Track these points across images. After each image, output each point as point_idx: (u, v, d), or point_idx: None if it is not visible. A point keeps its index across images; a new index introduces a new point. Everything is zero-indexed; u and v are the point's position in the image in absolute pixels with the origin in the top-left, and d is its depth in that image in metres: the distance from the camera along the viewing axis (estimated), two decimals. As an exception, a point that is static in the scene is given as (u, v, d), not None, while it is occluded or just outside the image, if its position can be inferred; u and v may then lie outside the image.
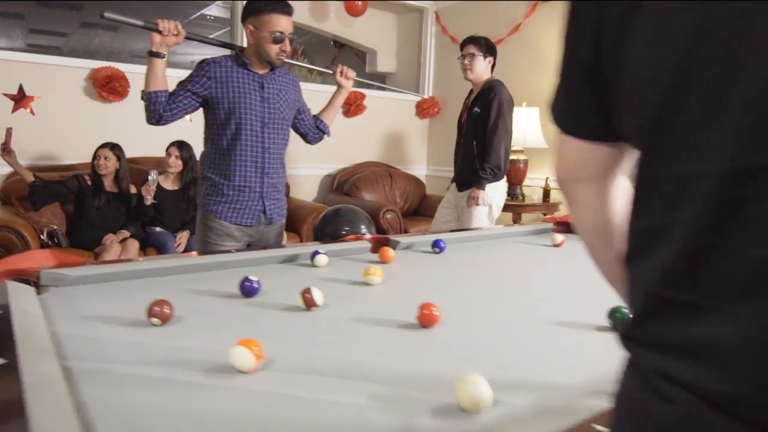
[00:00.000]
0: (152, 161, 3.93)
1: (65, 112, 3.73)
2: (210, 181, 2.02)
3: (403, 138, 5.51)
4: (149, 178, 3.23)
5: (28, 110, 3.60)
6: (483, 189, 2.93)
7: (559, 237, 2.12)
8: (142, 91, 1.92)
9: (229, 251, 1.81)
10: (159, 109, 1.90)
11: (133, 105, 3.92)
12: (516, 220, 4.02)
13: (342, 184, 4.84)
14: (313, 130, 2.29)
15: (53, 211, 3.26)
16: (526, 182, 4.23)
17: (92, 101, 3.84)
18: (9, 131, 3.00)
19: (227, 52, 2.20)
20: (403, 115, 5.43)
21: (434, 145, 5.66)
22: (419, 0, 5.38)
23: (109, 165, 3.31)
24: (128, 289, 1.37)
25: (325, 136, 2.33)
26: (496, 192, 3.01)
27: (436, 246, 1.94)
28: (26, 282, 1.27)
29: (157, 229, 3.49)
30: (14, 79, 3.54)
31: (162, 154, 4.07)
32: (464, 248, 2.03)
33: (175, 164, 3.50)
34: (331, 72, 2.30)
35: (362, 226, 2.05)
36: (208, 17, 6.86)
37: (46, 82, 3.64)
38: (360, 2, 4.87)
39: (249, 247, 2.08)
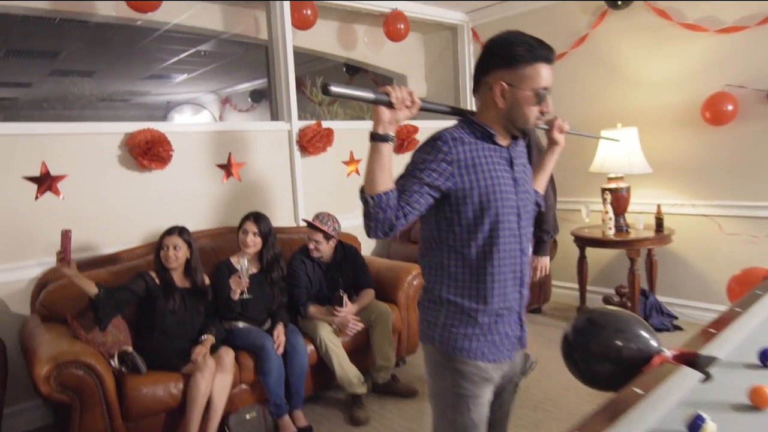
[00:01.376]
0: (207, 236, 3.25)
1: (98, 189, 3.01)
2: (453, 306, 1.42)
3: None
4: (239, 267, 2.57)
5: (56, 193, 2.86)
6: (548, 255, 2.73)
7: None
8: (362, 192, 1.32)
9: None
10: (391, 216, 1.29)
11: (177, 171, 3.25)
12: (632, 257, 3.56)
13: (407, 231, 4.27)
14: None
15: (116, 323, 2.54)
16: (630, 208, 3.79)
17: (130, 172, 3.13)
18: (67, 236, 2.29)
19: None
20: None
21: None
22: (450, 13, 4.90)
23: (179, 256, 2.63)
24: None
25: (541, 209, 1.77)
26: None
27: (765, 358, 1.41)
28: None
29: (240, 324, 2.82)
30: (34, 156, 2.81)
31: (216, 226, 3.41)
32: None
33: (254, 243, 2.85)
34: (547, 128, 1.76)
35: (645, 336, 1.50)
36: (202, 53, 6.14)
37: (71, 155, 2.92)
38: (402, 26, 4.34)
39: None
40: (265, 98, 8.73)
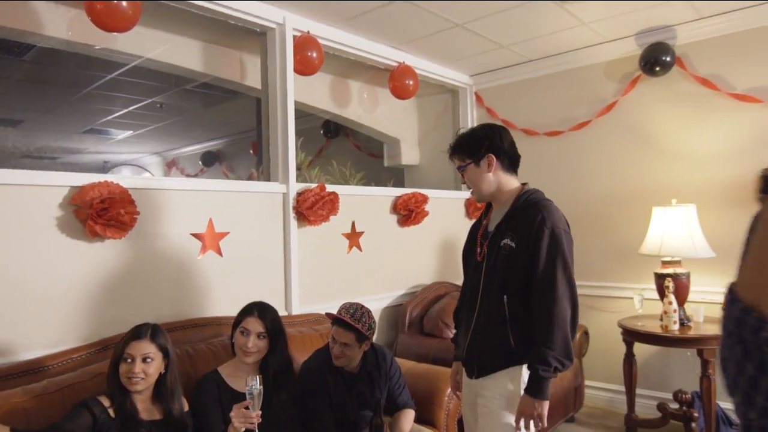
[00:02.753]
0: (194, 336, 2.33)
1: (23, 263, 2.07)
2: None
3: (454, 246, 4.33)
4: (248, 390, 1.68)
5: (-43, 271, 1.90)
6: (545, 399, 1.70)
7: None
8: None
9: None
10: None
11: (139, 242, 2.39)
12: (707, 358, 2.95)
13: (418, 321, 3.49)
14: None
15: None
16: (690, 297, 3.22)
17: (73, 241, 2.21)
18: None
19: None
20: (451, 217, 4.28)
21: (487, 251, 4.53)
22: (453, 74, 4.43)
23: (150, 372, 1.71)
24: None
25: None
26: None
27: None
28: None
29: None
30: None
31: (186, 317, 2.50)
32: None
33: (257, 348, 1.98)
34: None
35: None
36: (158, 105, 5.31)
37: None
38: (411, 83, 3.78)
39: None
40: (219, 162, 7.89)
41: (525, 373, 1.77)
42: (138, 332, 1.75)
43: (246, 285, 2.80)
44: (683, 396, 3.16)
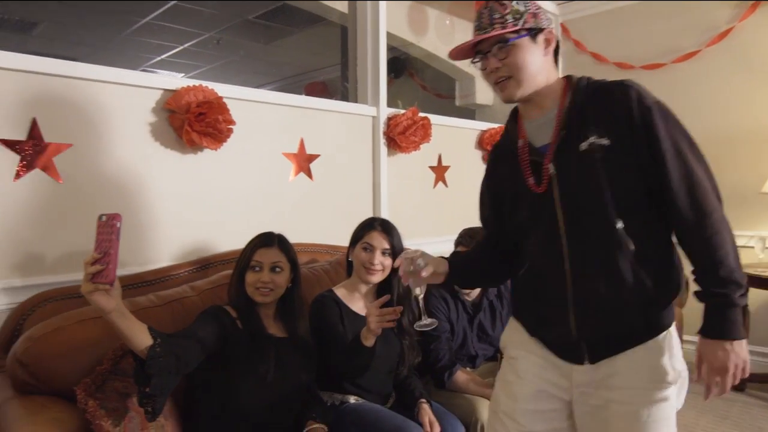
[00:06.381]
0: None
1: (115, 169, 1.88)
2: None
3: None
4: (417, 294, 1.37)
5: (54, 176, 1.72)
6: (743, 337, 1.11)
7: None
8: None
9: None
10: None
11: (233, 157, 2.18)
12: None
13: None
14: None
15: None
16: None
17: (166, 150, 2.01)
18: (112, 227, 1.12)
19: None
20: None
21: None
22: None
23: (280, 283, 1.52)
24: None
25: None
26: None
27: None
28: None
29: (353, 399, 1.70)
30: (19, 105, 1.67)
31: (298, 240, 2.32)
32: None
33: (383, 266, 1.77)
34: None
35: None
36: (216, 41, 5.05)
37: (75, 115, 1.79)
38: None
39: None
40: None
41: (676, 340, 1.22)
42: (267, 239, 1.55)
43: (335, 213, 2.59)
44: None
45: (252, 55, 5.71)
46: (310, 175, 2.50)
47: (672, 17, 3.64)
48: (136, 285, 1.80)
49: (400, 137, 2.75)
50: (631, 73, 3.80)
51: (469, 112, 4.67)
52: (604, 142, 1.14)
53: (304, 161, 2.47)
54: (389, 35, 3.82)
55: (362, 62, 2.84)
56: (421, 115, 2.85)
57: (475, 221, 2.76)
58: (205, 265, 1.99)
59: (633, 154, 1.13)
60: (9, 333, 1.57)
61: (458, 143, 3.33)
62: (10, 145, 1.64)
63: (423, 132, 2.83)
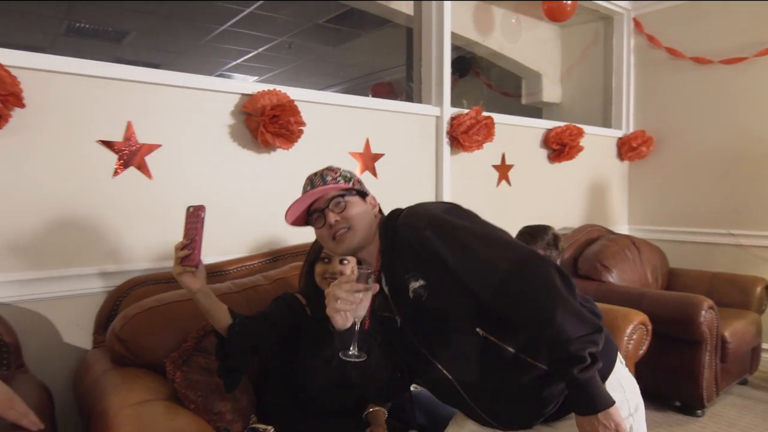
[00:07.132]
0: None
1: (198, 168, 2.06)
2: None
3: (603, 189, 3.96)
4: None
5: (145, 173, 1.92)
6: (609, 405, 1.06)
7: None
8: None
9: None
10: None
11: (303, 156, 2.31)
12: None
13: (570, 263, 3.22)
14: None
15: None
16: None
17: (242, 150, 2.18)
18: (197, 217, 1.29)
19: None
20: (600, 158, 3.90)
21: (638, 196, 4.12)
22: (609, 1, 3.95)
23: (346, 274, 1.63)
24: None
25: None
26: (628, 385, 1.27)
27: None
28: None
29: (412, 387, 1.79)
30: (115, 111, 1.87)
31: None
32: None
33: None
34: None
35: None
36: (288, 45, 5.29)
37: (168, 117, 1.98)
38: (570, 2, 3.40)
39: None
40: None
41: (624, 379, 1.27)
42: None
43: (399, 210, 2.68)
44: None
45: (322, 58, 5.92)
46: (375, 173, 2.60)
47: (752, 8, 3.46)
48: (216, 273, 1.97)
49: (463, 136, 2.80)
50: (708, 68, 3.65)
51: (536, 110, 4.63)
52: (421, 284, 1.17)
53: (369, 160, 2.58)
54: (454, 35, 3.87)
55: (426, 63, 2.91)
56: (485, 114, 2.89)
57: (537, 220, 2.77)
58: (276, 257, 2.13)
59: (445, 282, 1.14)
60: (107, 312, 1.78)
61: (523, 142, 3.33)
62: (109, 145, 1.84)
63: (486, 131, 2.87)
